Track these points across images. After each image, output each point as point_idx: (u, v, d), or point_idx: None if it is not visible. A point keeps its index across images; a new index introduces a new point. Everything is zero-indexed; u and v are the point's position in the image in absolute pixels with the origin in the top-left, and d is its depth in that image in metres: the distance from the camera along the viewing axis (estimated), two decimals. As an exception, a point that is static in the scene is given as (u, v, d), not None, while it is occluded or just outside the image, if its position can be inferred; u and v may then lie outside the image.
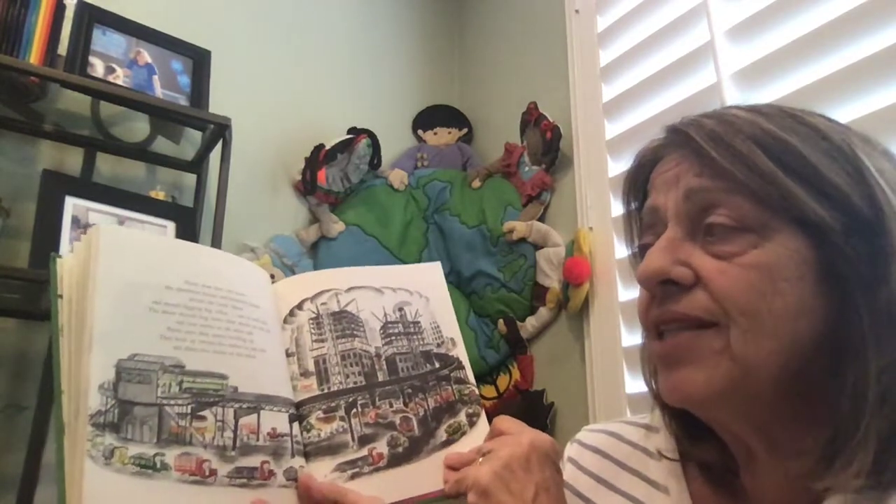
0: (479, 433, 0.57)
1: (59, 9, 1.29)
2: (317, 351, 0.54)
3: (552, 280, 1.47)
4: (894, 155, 0.43)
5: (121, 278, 0.45)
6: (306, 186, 1.60)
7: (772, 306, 0.39)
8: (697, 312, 0.41)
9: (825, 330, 0.39)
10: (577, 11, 1.57)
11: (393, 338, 0.58)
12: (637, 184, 0.50)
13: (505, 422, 0.53)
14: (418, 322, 0.61)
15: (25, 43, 1.22)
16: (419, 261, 1.72)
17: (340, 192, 1.68)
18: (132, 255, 0.47)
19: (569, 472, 0.57)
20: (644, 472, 0.53)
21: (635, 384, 1.23)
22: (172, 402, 0.44)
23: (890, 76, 0.90)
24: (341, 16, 1.93)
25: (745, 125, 0.42)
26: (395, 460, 0.52)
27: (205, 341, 0.47)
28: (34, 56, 1.23)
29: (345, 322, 0.56)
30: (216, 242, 1.31)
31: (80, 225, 1.22)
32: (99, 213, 1.26)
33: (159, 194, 1.39)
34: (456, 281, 1.74)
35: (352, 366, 0.55)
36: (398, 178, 1.78)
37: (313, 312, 0.56)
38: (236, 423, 0.46)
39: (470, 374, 0.61)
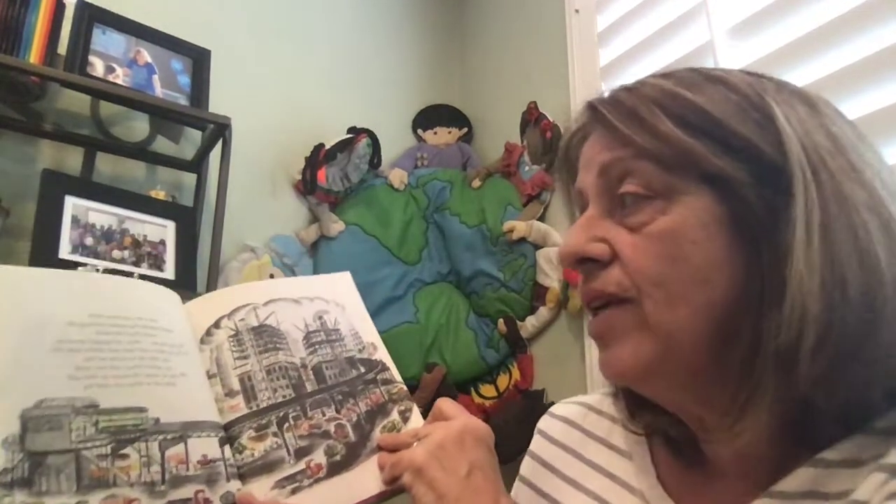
0: (413, 426, 0.57)
1: (59, 8, 1.29)
2: (240, 369, 0.52)
3: (552, 280, 1.47)
4: (814, 98, 0.42)
5: (17, 320, 0.42)
6: (306, 186, 1.61)
7: (680, 272, 0.39)
8: (611, 288, 0.41)
9: (740, 285, 0.38)
10: (577, 11, 1.57)
11: (317, 346, 0.57)
12: (568, 166, 0.50)
13: (445, 403, 0.53)
14: (338, 329, 0.60)
15: (25, 42, 1.22)
16: (419, 261, 1.73)
17: (340, 191, 1.68)
18: (27, 294, 0.44)
19: (536, 443, 0.58)
20: (608, 438, 0.53)
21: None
22: (90, 444, 0.41)
23: (890, 75, 0.90)
24: (341, 15, 1.93)
25: (650, 90, 0.42)
26: (335, 468, 0.51)
27: (118, 375, 0.44)
28: (34, 55, 1.23)
29: (266, 336, 0.55)
30: (216, 242, 1.32)
31: (80, 224, 1.22)
32: (99, 213, 1.26)
33: (159, 194, 1.39)
34: (456, 281, 1.74)
35: (278, 379, 0.53)
36: (398, 177, 1.78)
37: (232, 329, 0.54)
38: (163, 455, 0.44)
39: (396, 374, 0.60)
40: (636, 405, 0.49)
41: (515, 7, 1.88)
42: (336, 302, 0.61)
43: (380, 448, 0.53)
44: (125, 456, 0.42)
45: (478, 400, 1.59)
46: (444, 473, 0.46)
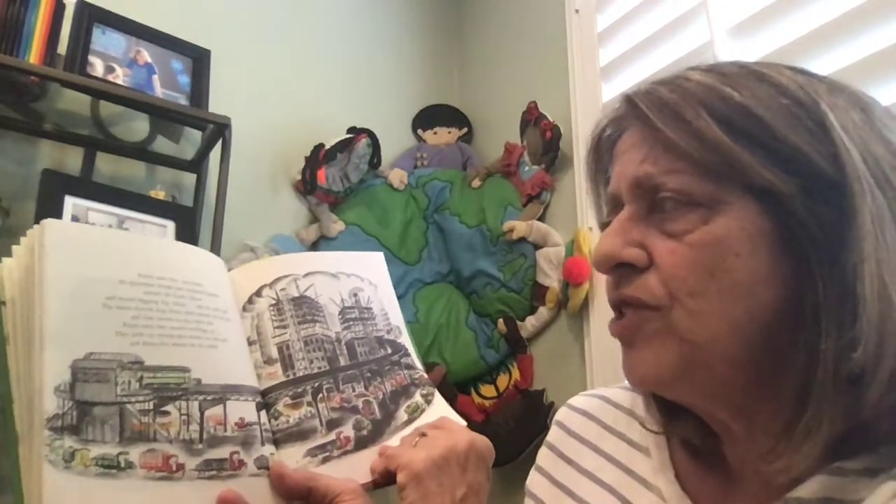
0: (436, 409, 0.58)
1: (59, 8, 1.29)
2: (279, 337, 0.54)
3: (552, 280, 1.47)
4: (866, 101, 0.40)
5: (71, 275, 0.43)
6: (306, 186, 1.60)
7: (720, 285, 0.37)
8: (644, 295, 0.39)
9: (786, 301, 0.37)
10: (576, 11, 1.57)
11: (351, 322, 0.58)
12: (600, 161, 0.48)
13: (448, 418, 0.54)
14: (370, 308, 0.61)
15: (25, 42, 1.22)
16: (419, 261, 1.73)
17: (340, 191, 1.68)
18: (81, 250, 0.45)
19: (554, 434, 0.57)
20: (627, 433, 0.52)
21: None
22: (133, 399, 0.43)
23: (891, 75, 0.89)
24: (341, 15, 1.93)
25: (696, 89, 0.39)
26: (362, 443, 0.53)
27: (163, 335, 0.46)
28: (34, 55, 1.23)
29: (305, 307, 0.56)
30: (216, 242, 1.32)
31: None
32: (99, 213, 1.26)
33: (159, 194, 1.39)
34: (456, 280, 1.74)
35: (315, 350, 0.54)
36: (398, 177, 1.78)
37: (273, 299, 0.55)
38: (202, 415, 0.45)
39: (416, 361, 0.62)
40: (663, 410, 0.47)
41: (515, 7, 1.88)
42: (370, 280, 0.63)
43: (379, 454, 0.53)
44: (166, 413, 0.43)
45: (478, 400, 1.59)
46: (441, 489, 0.46)
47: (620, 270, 0.41)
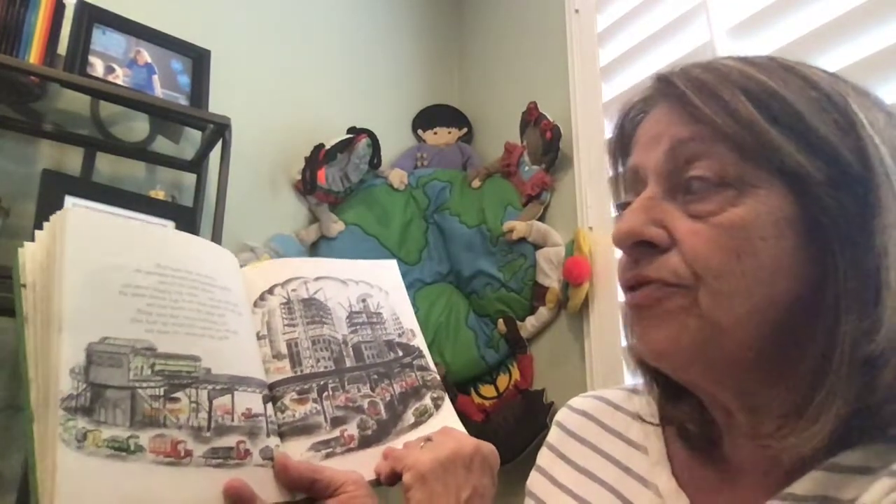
0: (444, 415, 0.60)
1: (59, 8, 1.29)
2: (288, 335, 0.55)
3: (552, 280, 1.47)
4: (890, 107, 0.41)
5: (89, 262, 0.45)
6: (306, 186, 1.60)
7: (745, 267, 0.37)
8: (666, 275, 0.39)
9: (806, 288, 0.37)
10: (576, 11, 1.57)
11: (358, 326, 0.60)
12: (623, 142, 0.48)
13: (452, 428, 0.55)
14: (380, 313, 0.63)
15: (25, 42, 1.22)
16: (419, 261, 1.73)
17: (340, 191, 1.68)
18: (100, 238, 0.46)
19: (554, 435, 0.58)
20: (625, 432, 0.52)
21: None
22: (145, 384, 0.44)
23: (891, 75, 0.89)
24: (341, 15, 1.93)
25: (733, 73, 0.40)
26: (365, 442, 0.54)
27: (176, 324, 0.47)
28: (34, 56, 1.23)
29: (314, 309, 0.58)
30: (216, 242, 1.31)
31: (80, 224, 1.22)
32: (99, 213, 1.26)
33: (159, 194, 1.39)
34: (456, 281, 1.74)
35: (322, 350, 0.56)
36: (398, 177, 1.78)
37: (284, 298, 0.57)
38: (210, 404, 0.46)
39: (430, 363, 0.63)
40: (665, 395, 0.48)
41: (515, 7, 1.88)
42: (380, 287, 0.65)
43: (384, 456, 0.54)
44: (176, 399, 0.45)
45: (478, 400, 1.59)
46: (446, 490, 0.47)
47: (640, 249, 0.41)
